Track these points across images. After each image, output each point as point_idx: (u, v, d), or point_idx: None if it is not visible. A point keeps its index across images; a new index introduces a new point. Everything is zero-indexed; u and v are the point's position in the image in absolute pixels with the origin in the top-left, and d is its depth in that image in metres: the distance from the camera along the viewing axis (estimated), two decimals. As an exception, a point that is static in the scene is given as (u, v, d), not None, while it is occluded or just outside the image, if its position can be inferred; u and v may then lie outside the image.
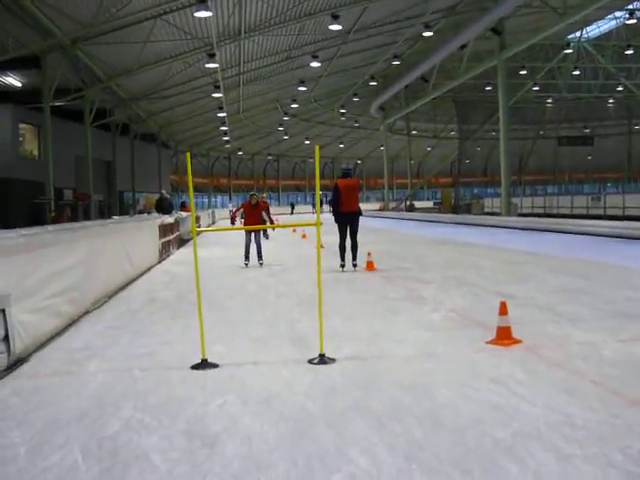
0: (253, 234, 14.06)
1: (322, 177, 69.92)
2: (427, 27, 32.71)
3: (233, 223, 15.02)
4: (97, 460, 3.58)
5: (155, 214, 20.68)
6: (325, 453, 3.56)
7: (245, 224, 14.33)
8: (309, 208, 74.23)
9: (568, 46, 44.88)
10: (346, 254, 12.40)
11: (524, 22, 35.65)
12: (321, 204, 71.09)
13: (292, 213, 67.69)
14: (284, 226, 19.04)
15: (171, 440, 3.84)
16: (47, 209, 26.69)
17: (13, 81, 30.92)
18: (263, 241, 14.70)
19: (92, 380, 5.21)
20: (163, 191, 26.89)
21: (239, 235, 15.94)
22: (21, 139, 32.37)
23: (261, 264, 13.75)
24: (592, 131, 72.28)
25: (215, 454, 3.61)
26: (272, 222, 14.53)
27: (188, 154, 5.56)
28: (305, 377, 5.07)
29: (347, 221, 12.43)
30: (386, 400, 4.43)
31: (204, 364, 5.48)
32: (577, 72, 50.21)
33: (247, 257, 13.89)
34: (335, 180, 12.92)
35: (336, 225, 12.61)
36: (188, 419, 4.20)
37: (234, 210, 15.51)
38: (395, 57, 40.30)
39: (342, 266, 12.35)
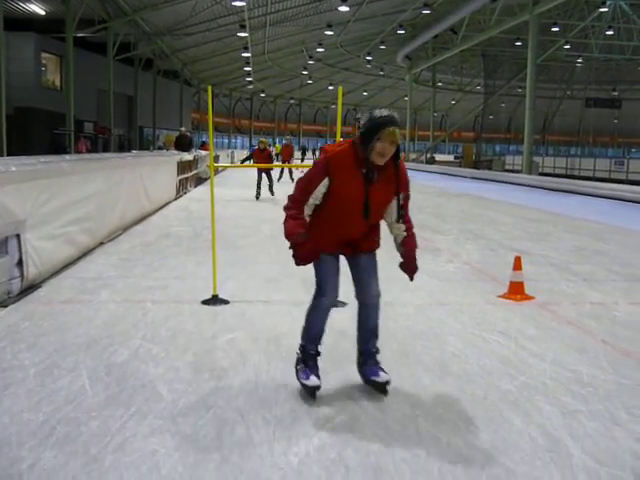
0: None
1: (344, 124, 69.12)
2: (460, -24, 31.94)
3: None
4: (104, 386, 3.62)
5: (174, 151, 20.61)
6: (333, 393, 3.58)
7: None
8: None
9: (604, 4, 43.67)
10: None
11: (561, -24, 34.77)
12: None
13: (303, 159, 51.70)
14: (297, 166, 19.10)
15: (178, 372, 3.87)
16: (67, 140, 26.69)
17: (36, 9, 30.63)
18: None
19: (103, 309, 5.25)
20: (182, 128, 26.73)
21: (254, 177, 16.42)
22: (43, 69, 32.19)
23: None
24: (620, 94, 70.79)
25: (221, 388, 3.64)
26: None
27: (209, 88, 5.48)
28: (315, 319, 5.07)
29: None
30: (395, 346, 4.43)
31: (215, 300, 5.50)
32: (611, 32, 48.94)
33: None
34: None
35: None
36: (196, 352, 4.23)
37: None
38: (425, 6, 39.36)
39: None
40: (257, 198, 16.27)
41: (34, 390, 3.54)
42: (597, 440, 3.10)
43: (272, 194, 16.17)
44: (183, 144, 22.85)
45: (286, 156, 23.34)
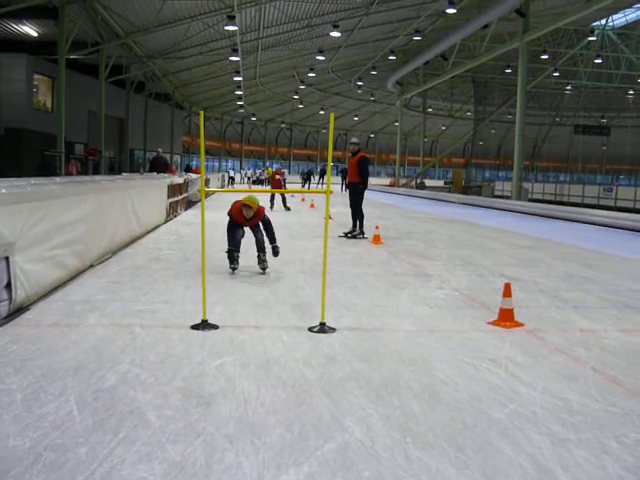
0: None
1: (335, 149, 69.25)
2: (451, 4, 32.11)
3: None
4: (92, 412, 3.58)
5: (164, 174, 20.57)
6: (320, 421, 3.55)
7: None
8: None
9: (592, 33, 44.26)
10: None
11: (550, 5, 35.23)
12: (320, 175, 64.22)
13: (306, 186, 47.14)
14: (291, 191, 18.82)
15: (167, 397, 3.84)
16: (58, 162, 26.65)
17: (29, 30, 30.67)
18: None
19: (91, 333, 5.21)
20: (159, 149, 26.65)
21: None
22: (35, 90, 32.22)
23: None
24: (609, 121, 71.76)
25: (210, 414, 3.60)
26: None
27: (202, 113, 5.49)
28: (305, 344, 5.06)
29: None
30: (385, 372, 4.42)
31: (204, 325, 5.47)
32: (599, 60, 49.54)
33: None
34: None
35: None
36: (185, 378, 4.20)
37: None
38: (417, 32, 39.87)
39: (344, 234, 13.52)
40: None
41: (20, 415, 3.50)
42: (587, 469, 3.09)
43: (262, 266, 8.54)
44: (159, 165, 22.69)
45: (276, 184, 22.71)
